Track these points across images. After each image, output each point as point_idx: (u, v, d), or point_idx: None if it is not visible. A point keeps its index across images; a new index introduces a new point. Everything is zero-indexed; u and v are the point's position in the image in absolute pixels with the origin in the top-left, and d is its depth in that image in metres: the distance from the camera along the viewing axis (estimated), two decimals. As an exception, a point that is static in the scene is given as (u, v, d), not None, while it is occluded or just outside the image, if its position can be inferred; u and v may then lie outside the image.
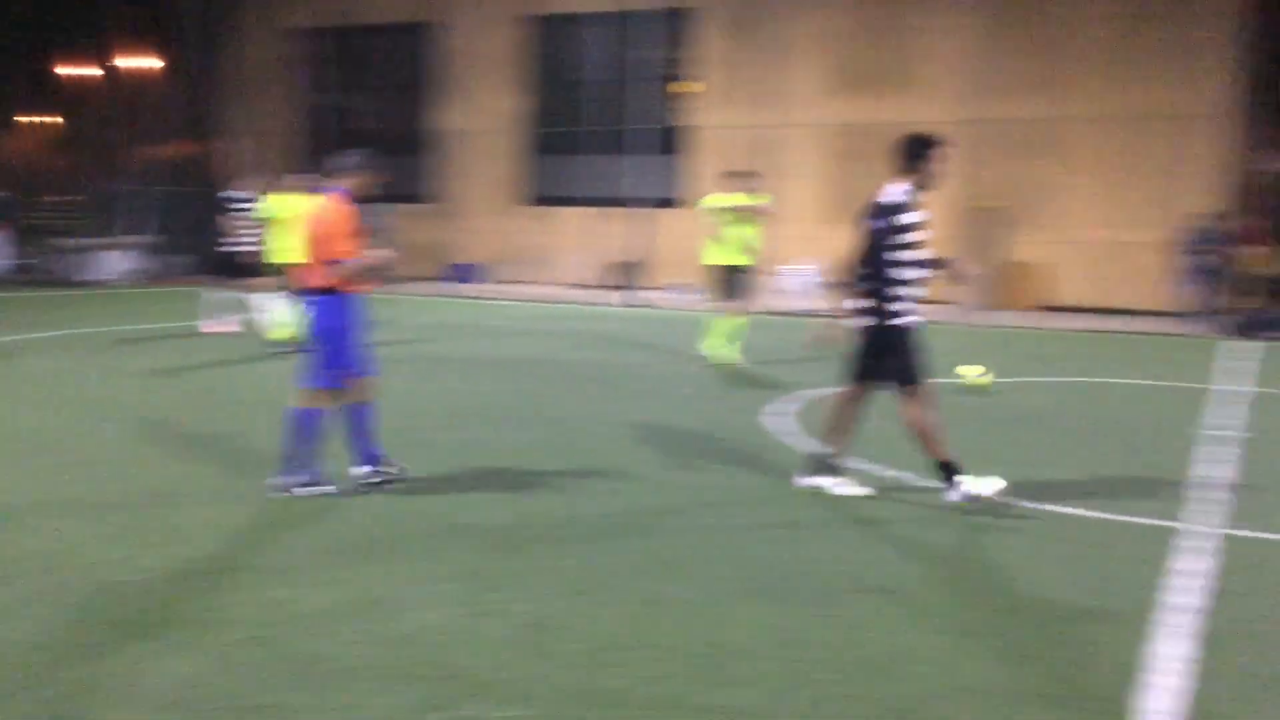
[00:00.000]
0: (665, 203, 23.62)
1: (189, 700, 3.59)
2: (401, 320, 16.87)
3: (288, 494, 6.02)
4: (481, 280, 24.53)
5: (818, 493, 6.36)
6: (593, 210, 24.21)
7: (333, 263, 6.00)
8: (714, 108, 23.62)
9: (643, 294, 21.37)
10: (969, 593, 4.84)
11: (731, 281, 11.73)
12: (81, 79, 29.91)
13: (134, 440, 7.55)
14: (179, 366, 11.03)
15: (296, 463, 6.06)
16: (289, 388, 6.45)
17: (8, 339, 12.69)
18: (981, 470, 6.21)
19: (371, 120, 28.51)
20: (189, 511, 5.78)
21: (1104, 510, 6.12)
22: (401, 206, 26.44)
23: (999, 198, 20.41)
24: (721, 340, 11.77)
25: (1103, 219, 20.33)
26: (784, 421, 8.66)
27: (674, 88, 24.16)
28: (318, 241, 6.06)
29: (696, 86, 23.81)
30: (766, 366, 11.67)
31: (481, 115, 25.93)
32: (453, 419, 8.62)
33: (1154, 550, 5.38)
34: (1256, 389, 11.04)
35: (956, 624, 4.41)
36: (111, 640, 4.04)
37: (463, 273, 24.69)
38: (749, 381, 10.84)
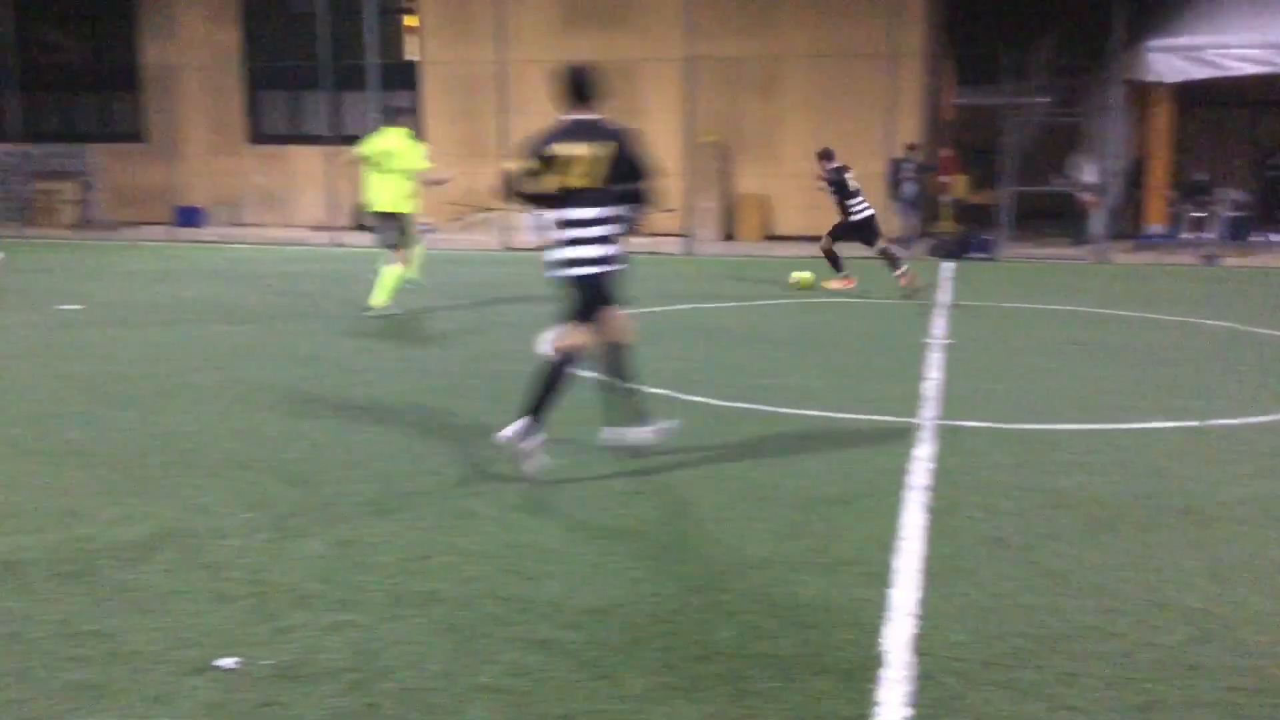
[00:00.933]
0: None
1: (14, 631, 3.60)
2: (124, 267, 16.04)
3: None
4: (208, 224, 23.45)
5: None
6: (326, 149, 23.58)
7: None
8: (438, 43, 23.41)
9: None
10: (734, 489, 5.38)
11: (387, 225, 10.93)
12: None
13: None
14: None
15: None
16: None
17: None
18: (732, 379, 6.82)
19: (71, 55, 26.46)
20: (-50, 464, 5.55)
21: (842, 411, 6.86)
22: (113, 147, 24.82)
23: (720, 133, 21.40)
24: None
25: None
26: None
27: (400, 21, 23.73)
28: None
29: (413, 21, 23.50)
30: (530, 300, 11.99)
31: (195, 49, 24.59)
32: (198, 362, 8.49)
33: (886, 442, 6.13)
34: (957, 301, 12.38)
35: (728, 514, 4.93)
36: (-91, 588, 3.95)
37: (188, 217, 23.51)
38: (520, 313, 11.13)
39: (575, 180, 5.33)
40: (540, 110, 21.73)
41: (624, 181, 5.36)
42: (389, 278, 10.89)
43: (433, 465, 5.65)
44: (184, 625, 3.68)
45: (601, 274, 5.41)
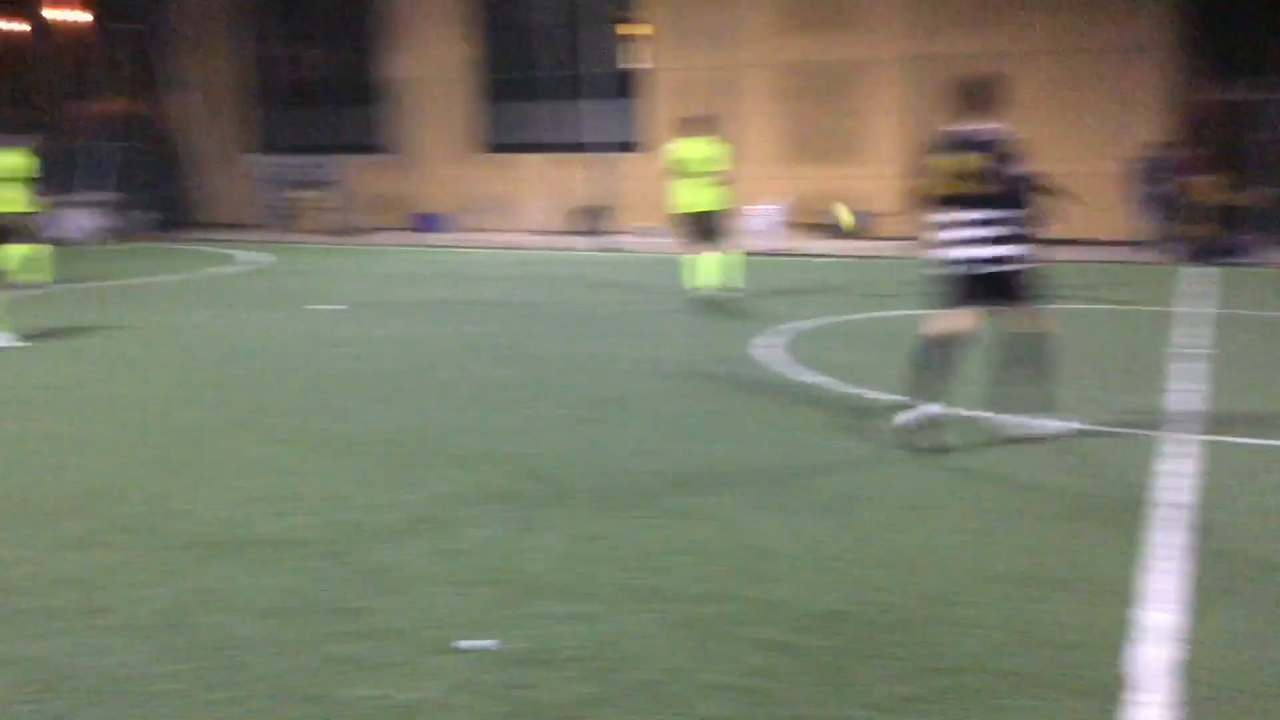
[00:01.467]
0: (625, 147, 23.75)
1: (279, 606, 3.88)
2: (372, 270, 16.99)
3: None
4: (445, 229, 24.58)
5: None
6: (552, 156, 24.30)
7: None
8: (666, 50, 23.71)
9: (611, 238, 21.58)
10: (979, 499, 5.20)
11: (702, 227, 11.79)
12: (11, 33, 29.26)
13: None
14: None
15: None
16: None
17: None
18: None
19: (321, 70, 28.27)
20: (229, 450, 6.02)
21: (1089, 422, 6.53)
22: (359, 158, 26.37)
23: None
24: (711, 274, 11.93)
25: (1057, 151, 20.78)
26: (773, 353, 9.00)
27: (624, 30, 24.19)
28: None
29: (645, 29, 23.87)
30: (742, 303, 12.01)
31: (432, 62, 25.82)
32: (443, 360, 8.88)
33: (1138, 456, 5.79)
34: (1216, 310, 11.57)
35: (973, 525, 4.77)
36: (195, 561, 4.31)
37: (426, 222, 24.72)
38: (730, 317, 11.17)
39: (962, 186, 5.74)
40: (768, 114, 21.59)
41: (1009, 187, 5.74)
42: (713, 263, 11.69)
43: (665, 463, 5.72)
44: (435, 606, 3.87)
45: (985, 271, 5.78)
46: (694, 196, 11.77)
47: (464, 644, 3.54)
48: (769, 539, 4.58)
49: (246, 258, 19.26)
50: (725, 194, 11.96)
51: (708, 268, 11.86)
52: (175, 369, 8.54)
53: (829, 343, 9.56)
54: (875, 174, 21.30)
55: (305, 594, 3.98)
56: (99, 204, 23.08)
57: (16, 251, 13.14)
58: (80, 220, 22.58)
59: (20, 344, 9.45)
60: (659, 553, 4.40)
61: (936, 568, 4.26)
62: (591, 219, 22.57)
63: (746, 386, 7.72)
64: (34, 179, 13.58)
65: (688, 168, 11.73)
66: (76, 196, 22.92)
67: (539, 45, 24.35)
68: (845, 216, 13.70)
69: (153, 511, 4.94)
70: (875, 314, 11.22)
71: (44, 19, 26.71)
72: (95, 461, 5.81)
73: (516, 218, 24.73)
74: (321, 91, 27.87)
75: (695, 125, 12.18)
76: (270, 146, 27.58)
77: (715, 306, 11.58)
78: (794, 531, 4.67)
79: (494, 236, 23.38)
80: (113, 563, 4.30)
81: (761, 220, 20.51)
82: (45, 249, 14.16)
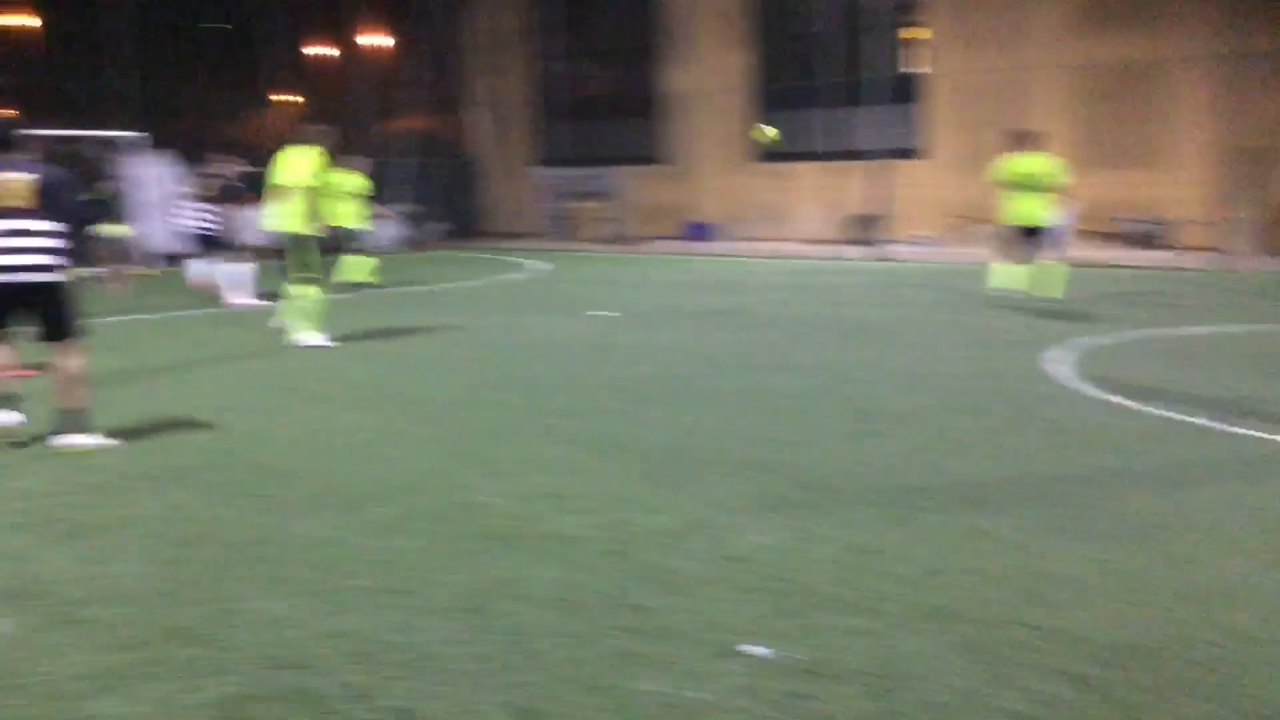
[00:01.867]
0: (903, 154, 23.26)
1: (566, 598, 4.04)
2: (647, 278, 17.40)
3: None
4: (717, 238, 24.88)
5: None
6: (826, 164, 24.13)
7: None
8: (948, 53, 23.03)
9: (884, 248, 21.19)
10: (1296, 530, 4.76)
11: (1030, 240, 12.04)
12: (323, 58, 31.87)
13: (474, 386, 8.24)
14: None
15: None
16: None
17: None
18: None
19: (604, 85, 29.25)
20: (518, 447, 6.33)
21: None
22: (635, 169, 27.11)
23: (1264, 136, 19.15)
24: (1021, 283, 12.05)
25: None
26: (1065, 368, 8.57)
27: (905, 34, 23.67)
28: None
29: (926, 32, 23.27)
30: (1035, 316, 11.53)
31: (709, 74, 26.19)
32: (717, 368, 8.97)
33: None
34: None
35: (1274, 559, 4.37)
36: (490, 551, 4.56)
37: (698, 231, 25.11)
38: (1020, 329, 10.74)
39: None
40: (1059, 118, 20.66)
41: None
42: (1029, 274, 11.93)
43: (944, 478, 5.56)
44: (713, 610, 3.91)
45: None
46: (1028, 209, 11.87)
47: (751, 650, 3.57)
48: (1059, 563, 4.36)
49: (531, 265, 20.19)
50: (1056, 208, 12.06)
51: (1019, 277, 11.88)
52: (470, 369, 9.06)
53: (1126, 359, 9.01)
54: (1176, 180, 19.94)
55: (590, 588, 4.12)
56: (399, 215, 24.81)
57: (352, 260, 14.75)
58: (383, 231, 24.36)
59: (330, 344, 10.31)
60: (941, 571, 4.28)
61: (1248, 604, 3.93)
62: (865, 228, 22.25)
63: (1034, 402, 7.39)
64: (368, 196, 15.08)
65: (1025, 181, 11.83)
66: (380, 208, 24.75)
67: (816, 52, 24.25)
68: (767, 134, 14.10)
69: (449, 503, 5.26)
70: (1177, 330, 10.50)
71: (355, 45, 28.99)
72: (397, 454, 6.24)
73: (788, 227, 24.72)
74: (601, 105, 28.86)
75: (1027, 139, 12.23)
76: (552, 159, 28.81)
77: (1008, 316, 11.27)
78: (1085, 557, 4.42)
79: (765, 246, 23.47)
80: (415, 548, 4.61)
81: (1056, 227, 19.59)
82: (373, 258, 15.61)
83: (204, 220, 14.33)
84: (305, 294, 10.35)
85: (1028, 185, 11.84)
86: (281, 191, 10.19)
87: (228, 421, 7.07)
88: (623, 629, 3.76)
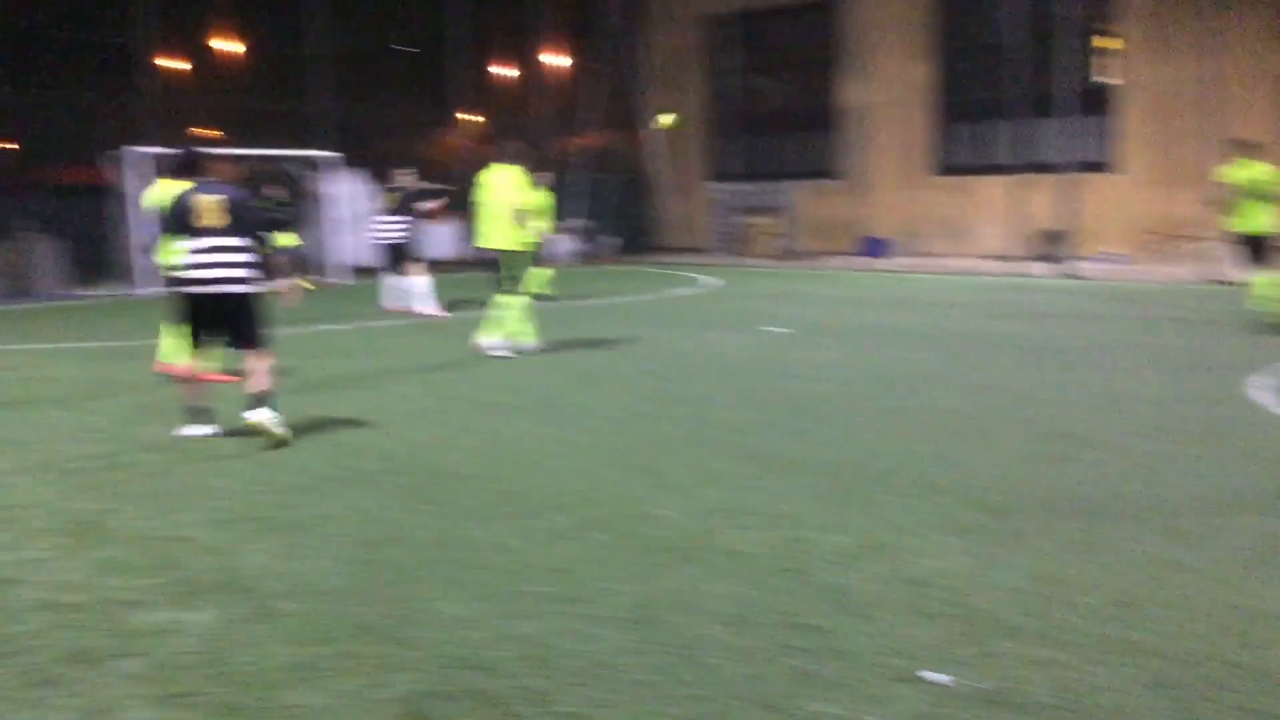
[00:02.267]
0: (1092, 167, 22.35)
1: (739, 614, 4.02)
2: (821, 294, 17.23)
3: None
4: (893, 254, 24.44)
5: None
6: (1010, 178, 23.39)
7: None
8: (1141, 63, 22.03)
9: (1071, 264, 20.40)
10: None
11: (1256, 249, 11.86)
12: (504, 77, 32.78)
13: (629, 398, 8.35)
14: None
15: None
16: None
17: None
18: None
19: (778, 100, 29.14)
20: (690, 461, 6.36)
21: None
22: (808, 183, 26.90)
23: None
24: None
25: None
26: (1270, 395, 8.07)
27: (1096, 43, 22.74)
28: None
29: (1117, 42, 22.30)
30: (1238, 335, 10.92)
31: (888, 86, 25.76)
32: (894, 386, 8.79)
33: None
34: None
35: None
36: (662, 563, 4.58)
37: (874, 247, 24.71)
38: (1222, 350, 10.17)
39: None
40: (1257, 130, 19.58)
41: None
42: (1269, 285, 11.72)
43: (1132, 506, 5.30)
44: (891, 634, 3.83)
45: None
46: (1254, 218, 11.75)
47: (930, 676, 3.48)
48: (1259, 598, 4.09)
49: (703, 280, 20.27)
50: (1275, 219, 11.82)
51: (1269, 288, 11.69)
52: (642, 383, 9.15)
53: (1336, 385, 8.42)
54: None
55: (764, 606, 4.10)
56: (574, 230, 25.32)
57: (537, 272, 15.02)
58: (557, 245, 24.90)
59: (533, 349, 10.60)
60: (1132, 602, 4.08)
61: None
62: (1051, 244, 21.47)
63: (1233, 429, 6.97)
64: (551, 212, 15.53)
65: (1250, 189, 11.72)
66: (556, 223, 25.32)
67: (1001, 63, 23.54)
68: (663, 121, 13.83)
69: (621, 514, 5.31)
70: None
71: (535, 64, 29.71)
72: (571, 464, 6.35)
73: (968, 242, 24.08)
74: (776, 120, 28.78)
75: (1247, 148, 12.15)
76: (725, 174, 28.87)
77: (1207, 335, 10.82)
78: (1296, 595, 4.15)
79: (943, 262, 22.92)
80: (589, 557, 4.68)
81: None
82: (548, 271, 16.02)
83: (390, 231, 14.96)
84: (513, 305, 10.67)
85: (1253, 194, 11.71)
86: (491, 209, 10.47)
87: (410, 428, 7.34)
88: (797, 648, 3.72)
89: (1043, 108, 22.64)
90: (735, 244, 26.91)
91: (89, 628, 3.97)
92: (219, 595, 4.28)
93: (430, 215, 15.73)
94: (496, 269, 10.61)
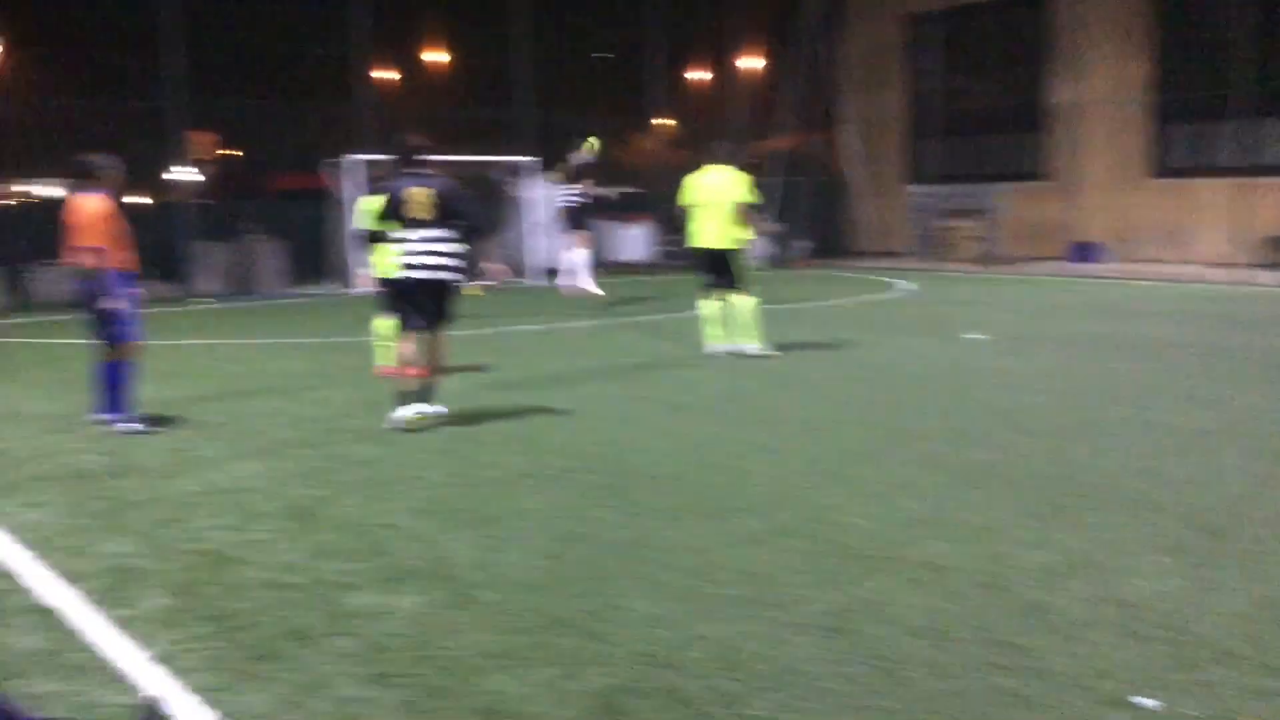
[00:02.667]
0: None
1: (936, 627, 3.92)
2: (1025, 301, 16.61)
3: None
4: (1103, 260, 23.31)
5: None
6: (1234, 180, 21.96)
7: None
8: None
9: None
10: None
11: None
12: (699, 81, 32.92)
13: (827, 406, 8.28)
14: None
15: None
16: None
17: (676, 316, 14.39)
18: None
19: (981, 99, 28.23)
20: (885, 469, 6.24)
21: None
22: (1012, 186, 25.94)
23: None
24: None
25: None
26: None
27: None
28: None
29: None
30: None
31: (1101, 84, 24.57)
32: (1103, 397, 8.39)
33: None
34: None
35: None
36: (856, 572, 4.51)
37: (1083, 252, 23.63)
38: None
39: None
40: None
41: None
42: None
43: (1378, 535, 4.89)
44: (1098, 656, 3.66)
45: None
46: None
47: (1143, 702, 3.31)
48: None
49: (900, 285, 19.86)
50: None
51: None
52: (837, 388, 9.03)
53: None
54: None
55: (962, 620, 3.98)
56: (765, 234, 25.19)
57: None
58: (750, 249, 24.86)
59: (772, 352, 10.56)
60: (1373, 637, 3.77)
61: None
62: (1279, 251, 20.06)
63: None
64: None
65: None
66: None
67: (1223, 59, 22.13)
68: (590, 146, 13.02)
69: (814, 520, 5.25)
70: None
71: (730, 67, 29.74)
72: (764, 468, 6.32)
73: (1186, 248, 22.74)
74: (979, 120, 27.88)
75: None
76: (924, 176, 28.17)
77: None
78: None
79: (1158, 268, 21.72)
80: (782, 562, 4.64)
81: None
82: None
83: (568, 198, 16.09)
84: (746, 305, 10.68)
85: None
86: (707, 209, 10.50)
87: (604, 428, 7.47)
88: (997, 665, 3.60)
89: (1269, 106, 21.15)
90: (934, 248, 26.21)
91: (306, 607, 4.20)
92: (423, 582, 4.46)
93: (597, 198, 16.65)
94: (710, 269, 10.64)
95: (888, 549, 4.80)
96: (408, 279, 7.25)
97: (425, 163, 7.56)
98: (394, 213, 7.28)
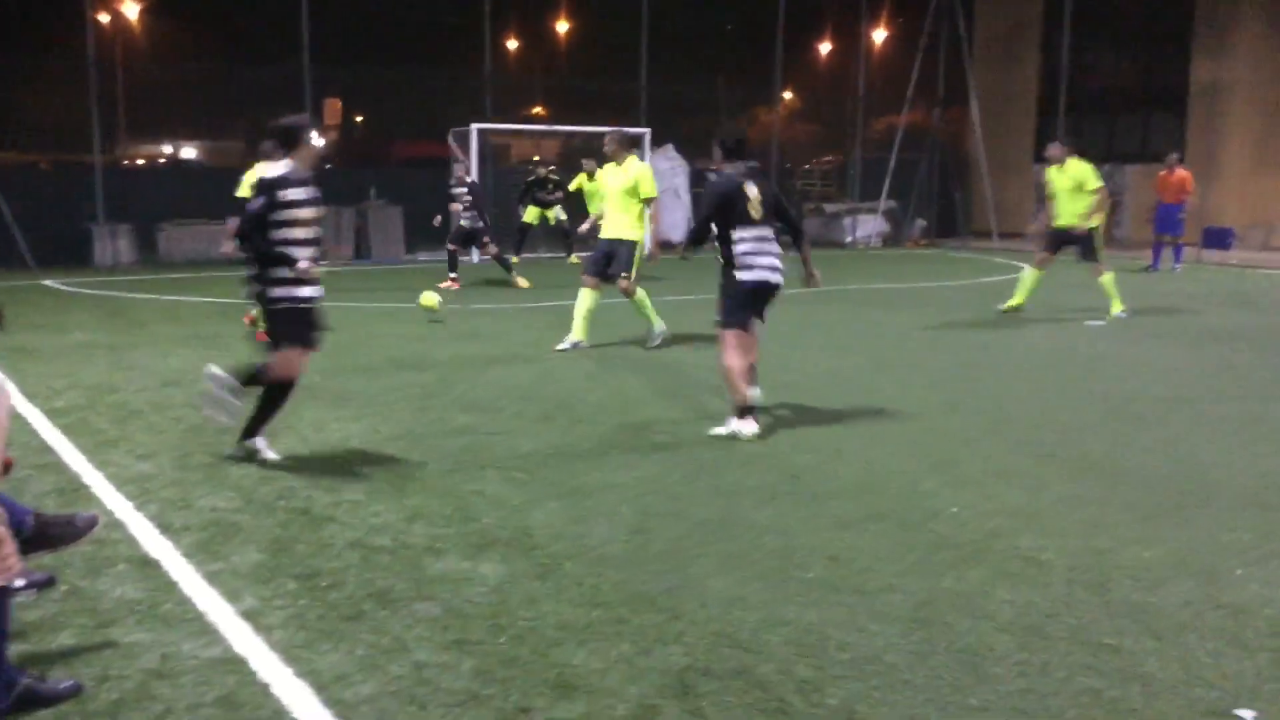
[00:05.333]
0: None
1: (1027, 623, 3.77)
2: (1151, 287, 15.96)
3: None
4: (1236, 247, 22.24)
5: None
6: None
7: None
8: None
9: None
10: None
11: None
12: (828, 54, 32.32)
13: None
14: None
15: None
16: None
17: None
18: None
19: (1116, 77, 27.15)
20: (985, 457, 6.05)
21: None
22: (1148, 168, 24.91)
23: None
24: None
25: None
26: None
27: None
28: None
29: None
30: None
31: (1243, 64, 23.39)
32: (1224, 392, 8.00)
33: None
34: None
35: None
36: (948, 562, 4.38)
37: (1218, 238, 22.55)
38: None
39: None
40: None
41: None
42: None
43: None
44: (1199, 663, 3.48)
45: None
46: None
47: (1241, 714, 3.13)
48: None
49: (1017, 266, 19.27)
50: None
51: None
52: (943, 373, 8.80)
53: None
54: None
55: (1056, 618, 3.82)
56: (877, 211, 24.70)
57: None
58: (860, 226, 24.41)
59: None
60: None
61: None
62: None
63: None
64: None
65: None
66: (859, 204, 24.80)
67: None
68: (428, 303, 11.58)
69: (907, 506, 5.11)
70: None
71: (859, 39, 29.05)
72: (860, 451, 6.17)
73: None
74: (1112, 98, 26.84)
75: None
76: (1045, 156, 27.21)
77: None
78: None
79: (1297, 257, 20.63)
80: (870, 548, 4.53)
81: None
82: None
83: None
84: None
85: None
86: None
87: (698, 405, 7.37)
88: (1089, 667, 3.45)
89: None
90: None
91: (391, 570, 4.25)
92: (506, 550, 4.47)
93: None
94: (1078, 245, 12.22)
95: (981, 539, 4.65)
96: (766, 282, 6.51)
97: (747, 153, 6.80)
98: (733, 211, 6.49)
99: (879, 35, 29.49)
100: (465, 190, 14.86)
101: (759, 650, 3.55)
